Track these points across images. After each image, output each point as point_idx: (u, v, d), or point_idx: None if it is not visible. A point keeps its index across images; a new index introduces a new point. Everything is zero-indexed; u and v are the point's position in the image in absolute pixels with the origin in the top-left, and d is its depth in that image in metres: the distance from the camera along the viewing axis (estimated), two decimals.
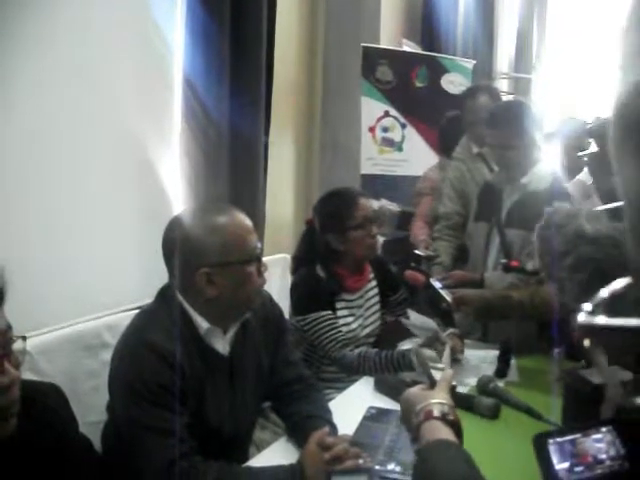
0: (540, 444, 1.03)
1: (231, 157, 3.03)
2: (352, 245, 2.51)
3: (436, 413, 1.18)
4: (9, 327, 1.19)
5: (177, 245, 1.67)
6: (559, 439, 1.03)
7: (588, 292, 1.43)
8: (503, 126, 2.61)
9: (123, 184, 2.50)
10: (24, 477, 1.24)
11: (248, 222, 1.76)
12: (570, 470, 1.01)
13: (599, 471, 1.02)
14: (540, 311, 2.22)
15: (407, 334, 2.72)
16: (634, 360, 1.19)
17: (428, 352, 1.48)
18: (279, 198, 3.87)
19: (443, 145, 3.81)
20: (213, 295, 1.68)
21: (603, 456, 1.02)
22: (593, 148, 3.20)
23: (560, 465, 1.01)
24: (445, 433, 1.14)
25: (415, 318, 2.44)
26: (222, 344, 1.77)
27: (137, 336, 1.68)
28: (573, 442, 1.03)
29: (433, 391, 1.27)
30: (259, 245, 1.78)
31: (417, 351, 1.48)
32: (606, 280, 1.39)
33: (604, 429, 1.05)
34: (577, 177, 3.60)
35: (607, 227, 1.44)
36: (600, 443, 1.03)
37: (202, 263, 1.66)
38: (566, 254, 1.45)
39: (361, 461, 1.64)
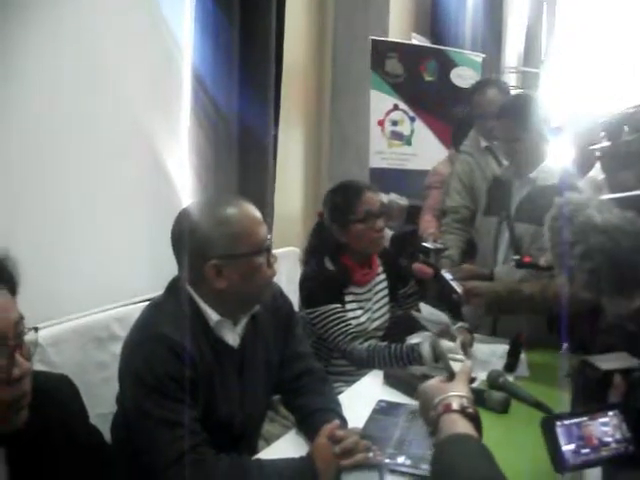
0: (548, 426, 1.04)
1: (240, 150, 3.03)
2: (354, 238, 2.51)
3: (455, 406, 1.17)
4: (21, 318, 1.19)
5: (186, 237, 1.67)
6: (566, 422, 1.04)
7: (598, 282, 1.43)
8: (512, 118, 2.60)
9: (132, 177, 2.50)
10: (36, 468, 1.25)
11: (257, 213, 1.75)
12: (577, 452, 1.02)
13: (604, 453, 1.03)
14: (551, 305, 2.22)
15: (416, 328, 2.72)
16: None
17: (447, 343, 1.47)
18: (288, 191, 3.87)
19: (457, 139, 3.80)
20: (222, 287, 1.68)
21: (609, 439, 1.04)
22: (606, 142, 3.18)
23: (567, 447, 1.02)
24: (464, 427, 1.13)
25: (426, 311, 2.43)
26: (232, 336, 1.77)
27: (147, 328, 1.67)
28: (580, 425, 1.04)
29: (452, 383, 1.26)
30: (269, 236, 1.77)
31: (435, 342, 1.47)
32: (616, 270, 1.39)
33: (611, 413, 1.06)
34: (588, 175, 3.57)
35: (617, 217, 1.44)
36: (606, 426, 1.05)
37: (211, 255, 1.66)
38: (576, 244, 1.45)
39: (371, 454, 1.64)
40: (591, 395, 1.19)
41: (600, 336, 1.97)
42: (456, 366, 1.33)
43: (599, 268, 1.39)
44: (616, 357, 1.22)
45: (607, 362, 1.20)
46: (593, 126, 3.89)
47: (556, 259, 1.57)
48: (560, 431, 1.03)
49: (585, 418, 1.05)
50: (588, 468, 1.06)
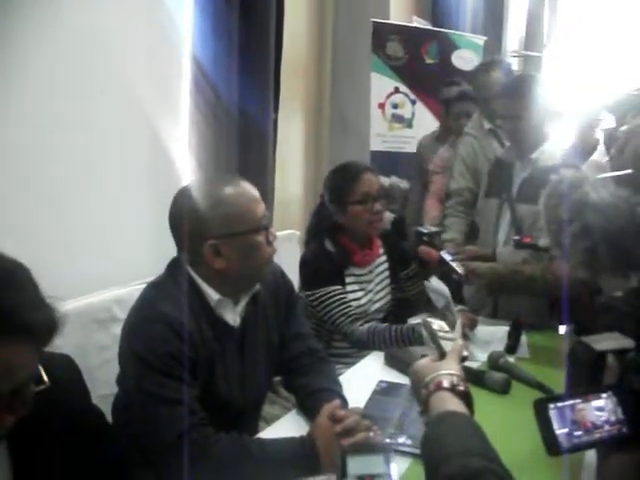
0: (541, 409, 1.04)
1: (240, 134, 3.03)
2: (351, 220, 2.51)
3: (445, 384, 1.17)
4: (30, 378, 1.16)
5: (184, 217, 1.66)
6: (560, 404, 1.03)
7: (594, 260, 1.42)
8: (514, 97, 2.58)
9: (132, 161, 2.50)
10: (38, 447, 1.24)
11: (254, 192, 1.73)
12: (570, 434, 1.01)
13: (597, 436, 1.02)
14: (552, 287, 2.21)
15: (417, 310, 2.73)
16: (636, 326, 1.19)
17: (437, 322, 1.47)
18: (288, 175, 3.86)
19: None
20: (222, 267, 1.67)
21: (602, 421, 1.03)
22: (610, 124, 3.16)
23: (560, 429, 1.01)
24: (454, 404, 1.13)
25: (435, 283, 2.43)
26: (232, 316, 1.77)
27: (147, 307, 1.67)
28: (573, 407, 1.03)
29: (442, 362, 1.26)
30: (267, 214, 1.76)
31: (425, 322, 1.46)
32: (611, 248, 1.38)
33: (604, 395, 1.06)
34: (591, 158, 3.56)
35: (612, 195, 1.43)
36: (600, 409, 1.04)
37: (209, 235, 1.65)
38: (571, 222, 1.44)
39: (372, 434, 1.64)
40: (585, 376, 1.19)
41: (596, 317, 1.98)
42: (447, 345, 1.33)
43: (594, 246, 1.38)
44: (611, 337, 1.21)
45: (601, 342, 1.19)
46: (596, 109, 3.88)
47: (551, 236, 1.57)
48: (553, 414, 1.03)
49: (578, 400, 1.04)
50: (581, 451, 1.05)
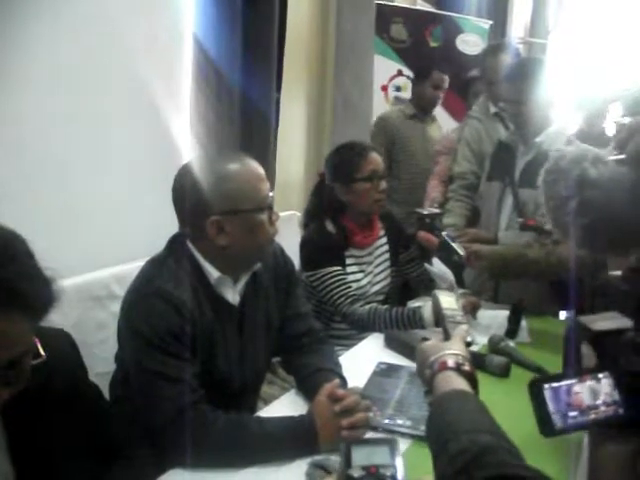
0: (536, 389, 1.03)
1: (242, 114, 3.00)
2: (357, 197, 2.50)
3: (450, 364, 1.15)
4: (27, 351, 1.15)
5: (187, 192, 1.64)
6: (555, 385, 1.03)
7: (592, 238, 1.41)
8: (520, 81, 2.55)
9: (133, 142, 2.47)
10: (34, 421, 1.24)
11: (260, 170, 1.72)
12: (565, 415, 1.00)
13: (592, 416, 1.01)
14: (555, 271, 2.20)
15: (417, 293, 2.72)
16: (634, 306, 1.18)
17: (446, 297, 1.45)
18: (290, 155, 3.84)
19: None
20: (223, 244, 1.66)
21: (597, 402, 1.02)
22: (623, 118, 3.12)
23: (555, 410, 1.00)
24: (459, 384, 1.12)
25: (438, 265, 2.42)
26: (232, 294, 1.76)
27: (146, 284, 1.66)
28: (568, 388, 1.02)
29: (448, 342, 1.25)
30: (271, 194, 1.74)
31: (434, 295, 1.45)
32: (609, 225, 1.37)
33: (600, 375, 1.04)
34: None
35: (611, 171, 1.41)
36: (595, 390, 1.03)
37: (212, 211, 1.63)
38: (570, 198, 1.42)
39: (371, 414, 1.64)
40: (581, 356, 1.18)
41: (594, 296, 1.96)
42: (453, 327, 1.32)
43: (593, 223, 1.37)
44: (609, 317, 1.20)
45: (599, 322, 1.18)
46: (605, 98, 3.85)
47: (550, 214, 1.56)
48: (548, 395, 1.02)
49: (574, 381, 1.04)
50: (576, 431, 1.04)
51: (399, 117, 4.10)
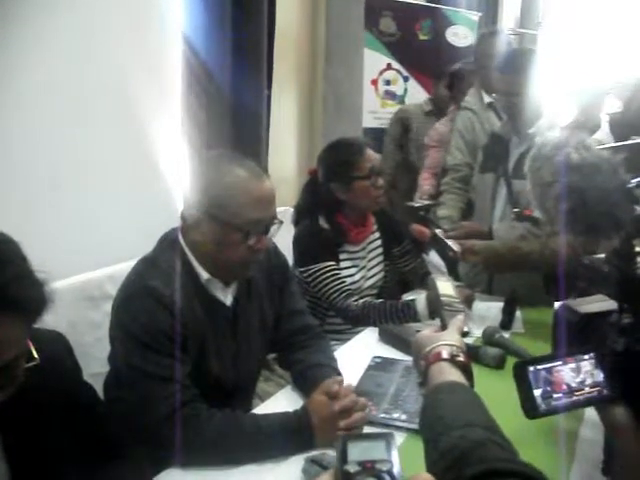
0: (520, 371, 1.02)
1: (233, 112, 3.01)
2: (356, 195, 2.47)
3: (445, 355, 1.14)
4: (22, 354, 1.14)
5: (200, 178, 1.67)
6: (539, 367, 1.02)
7: (575, 222, 1.41)
8: (513, 73, 2.53)
9: (124, 141, 2.47)
10: (32, 423, 1.23)
11: (268, 195, 1.72)
12: (549, 397, 1.00)
13: (576, 398, 1.01)
14: (550, 263, 2.20)
15: (411, 286, 2.72)
16: (617, 289, 1.18)
17: (444, 282, 1.45)
18: (281, 151, 3.84)
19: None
20: (194, 239, 1.68)
21: (582, 383, 1.02)
22: (616, 108, 3.12)
23: (538, 391, 1.00)
24: (453, 375, 1.10)
25: (434, 256, 2.42)
26: (224, 294, 1.75)
27: (137, 282, 1.65)
28: (552, 370, 1.02)
29: (444, 333, 1.24)
30: (274, 225, 1.75)
31: (431, 280, 1.44)
32: (591, 209, 1.37)
33: (586, 357, 1.04)
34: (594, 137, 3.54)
35: (593, 155, 1.41)
36: (579, 371, 1.03)
37: (201, 204, 1.64)
38: (553, 184, 1.42)
39: (367, 411, 1.64)
40: (569, 338, 1.18)
41: (578, 278, 1.96)
42: (450, 315, 1.31)
43: (575, 208, 1.37)
44: (595, 300, 1.20)
45: (586, 305, 1.18)
46: (599, 89, 3.85)
47: (536, 201, 1.56)
48: (532, 377, 1.02)
49: (559, 362, 1.03)
50: (561, 413, 1.04)
51: (417, 111, 4.22)
